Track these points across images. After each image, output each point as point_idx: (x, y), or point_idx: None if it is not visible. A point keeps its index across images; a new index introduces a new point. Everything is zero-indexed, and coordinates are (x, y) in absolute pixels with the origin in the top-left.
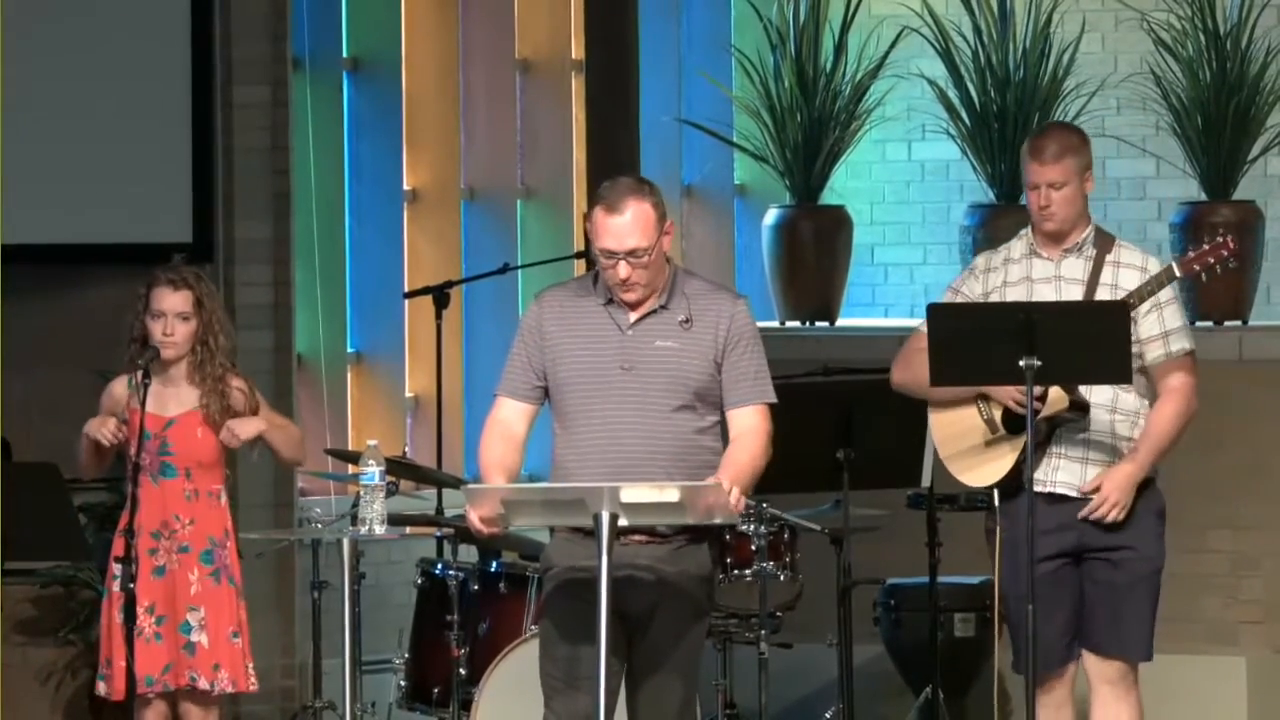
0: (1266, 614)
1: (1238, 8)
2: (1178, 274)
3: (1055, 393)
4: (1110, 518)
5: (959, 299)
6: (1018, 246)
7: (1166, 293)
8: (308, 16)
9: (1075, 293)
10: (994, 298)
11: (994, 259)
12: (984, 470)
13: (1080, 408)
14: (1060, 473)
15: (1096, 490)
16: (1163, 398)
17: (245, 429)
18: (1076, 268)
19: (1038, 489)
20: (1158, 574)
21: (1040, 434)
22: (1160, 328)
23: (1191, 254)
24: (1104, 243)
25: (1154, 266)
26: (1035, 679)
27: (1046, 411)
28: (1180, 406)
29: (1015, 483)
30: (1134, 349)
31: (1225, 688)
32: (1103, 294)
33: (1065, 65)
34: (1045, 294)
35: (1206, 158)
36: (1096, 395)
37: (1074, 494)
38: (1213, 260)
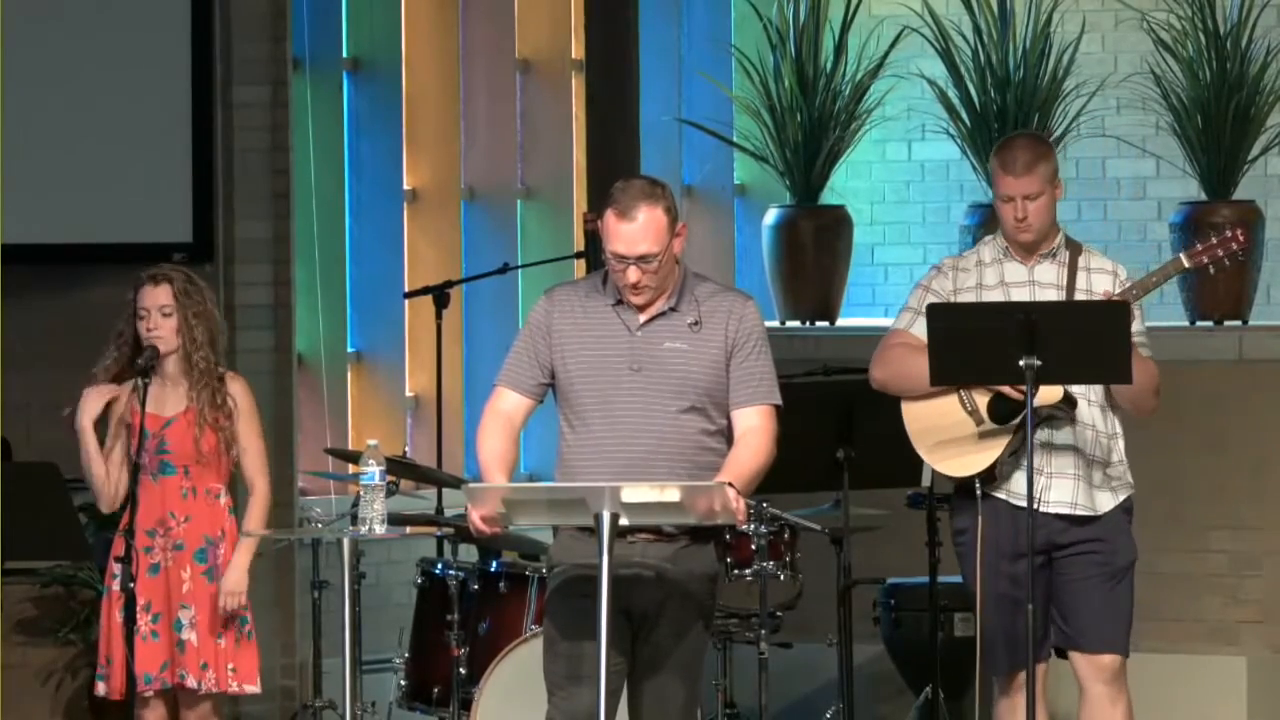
0: (1266, 614)
1: (1238, 8)
2: (1186, 265)
3: (1047, 387)
4: None
5: (931, 296)
6: (987, 250)
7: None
8: (308, 16)
9: (1051, 297)
10: (963, 297)
11: (961, 261)
12: (969, 460)
13: (1069, 402)
14: (1052, 491)
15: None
16: None
17: (238, 583)
18: (1050, 272)
19: (1020, 503)
20: (1132, 567)
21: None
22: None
23: (1200, 246)
24: (1074, 248)
25: (1123, 272)
26: (1011, 680)
27: (1037, 402)
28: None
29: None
30: None
31: (1225, 688)
32: (1080, 299)
33: (1065, 65)
34: (1021, 298)
35: (1206, 157)
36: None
37: (1067, 510)
38: (1222, 253)
